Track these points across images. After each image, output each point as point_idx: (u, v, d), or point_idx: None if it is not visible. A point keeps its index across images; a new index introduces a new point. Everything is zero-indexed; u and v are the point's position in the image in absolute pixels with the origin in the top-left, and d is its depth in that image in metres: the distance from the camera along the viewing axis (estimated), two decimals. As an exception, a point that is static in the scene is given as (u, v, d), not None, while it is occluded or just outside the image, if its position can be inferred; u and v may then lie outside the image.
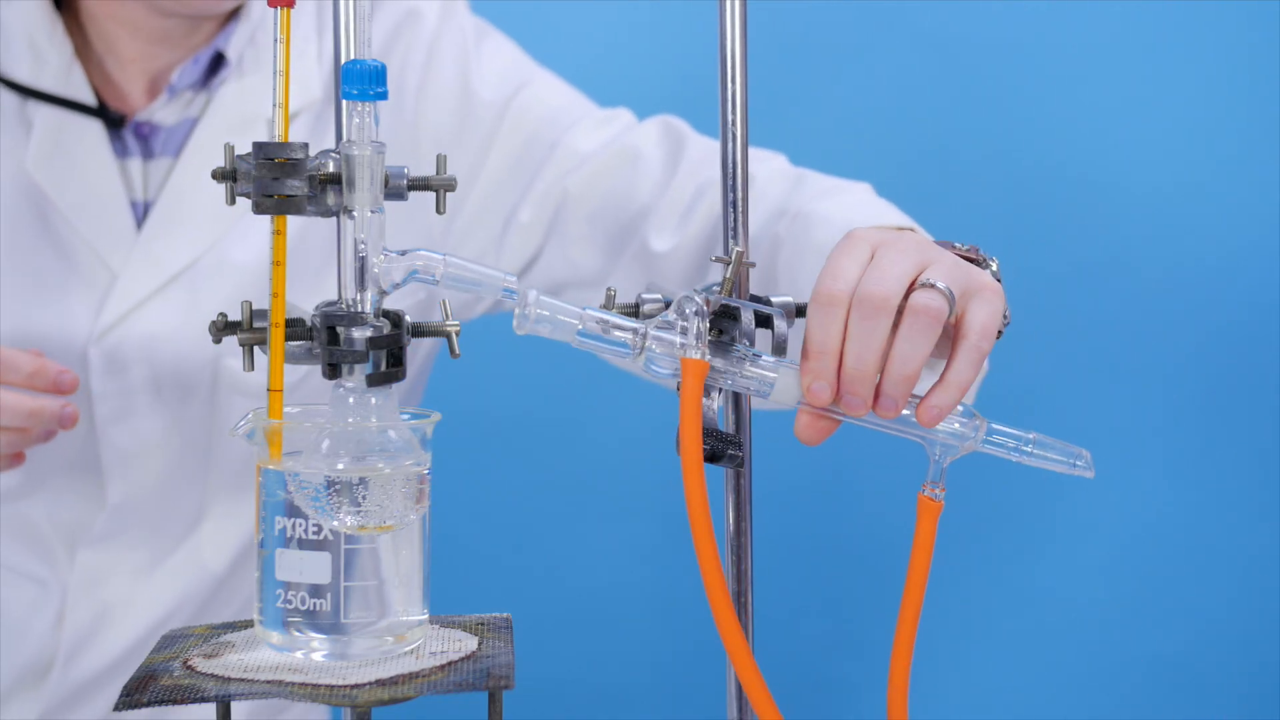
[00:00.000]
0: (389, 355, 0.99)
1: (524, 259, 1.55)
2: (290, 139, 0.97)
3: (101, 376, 1.50)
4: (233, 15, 1.53)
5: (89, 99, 1.50)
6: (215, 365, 1.51)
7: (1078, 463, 1.06)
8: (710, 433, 1.03)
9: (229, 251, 1.50)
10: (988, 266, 1.10)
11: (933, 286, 1.01)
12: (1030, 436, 1.05)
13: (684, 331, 1.01)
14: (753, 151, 1.43)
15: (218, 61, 1.53)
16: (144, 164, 1.52)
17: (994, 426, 1.04)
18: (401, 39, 1.56)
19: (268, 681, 0.95)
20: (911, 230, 1.14)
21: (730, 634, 1.00)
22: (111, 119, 1.50)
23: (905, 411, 1.03)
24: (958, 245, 1.11)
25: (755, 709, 1.00)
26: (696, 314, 1.01)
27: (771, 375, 1.02)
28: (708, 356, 1.01)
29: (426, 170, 1.54)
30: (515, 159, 1.55)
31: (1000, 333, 1.06)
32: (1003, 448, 1.05)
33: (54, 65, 1.49)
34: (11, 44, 1.49)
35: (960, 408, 1.03)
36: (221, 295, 1.49)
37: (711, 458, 1.03)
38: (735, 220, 1.10)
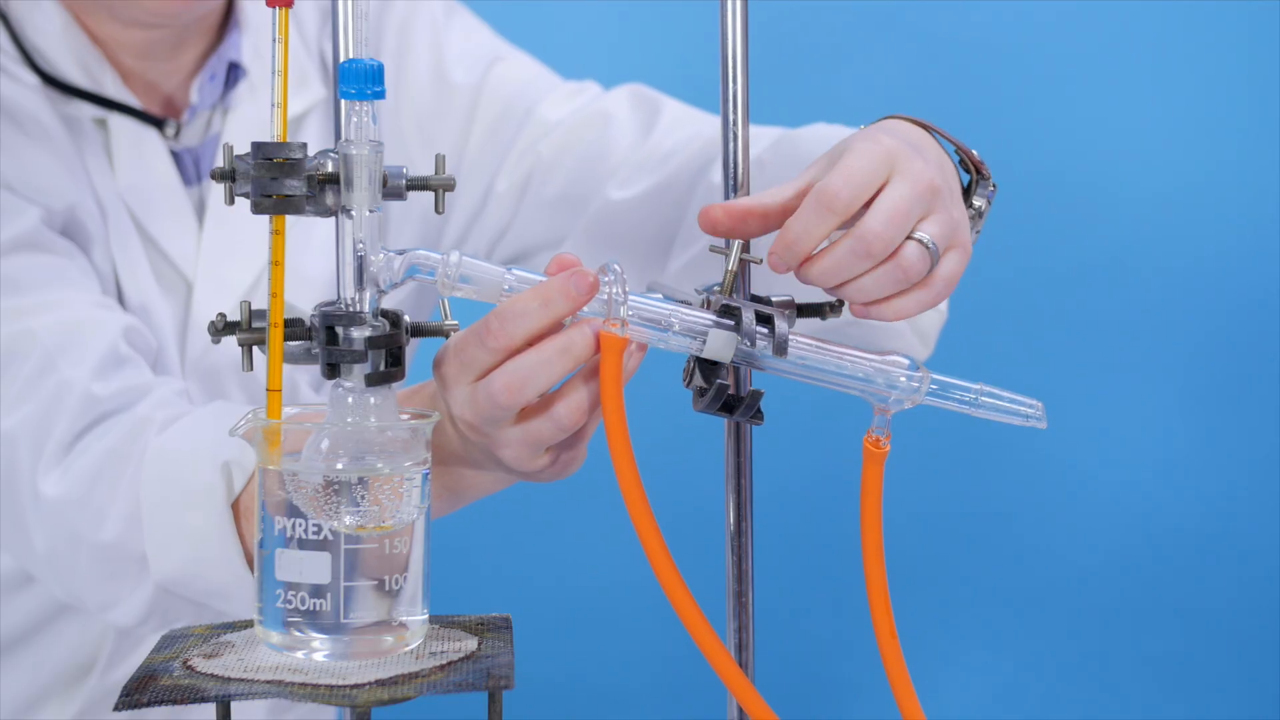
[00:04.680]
0: (388, 355, 0.99)
1: (499, 227, 1.56)
2: (303, 140, 0.97)
3: (199, 398, 1.47)
4: (227, 23, 1.52)
5: (148, 110, 1.47)
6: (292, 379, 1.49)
7: (1030, 413, 1.06)
8: (728, 394, 1.03)
9: (298, 264, 1.44)
10: (986, 186, 1.13)
11: (925, 246, 1.04)
12: (977, 387, 1.05)
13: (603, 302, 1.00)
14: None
15: (229, 74, 1.51)
16: (184, 188, 1.50)
17: (938, 378, 1.04)
18: (375, 27, 1.56)
19: (268, 681, 0.95)
20: (926, 129, 1.13)
21: (682, 606, 1.00)
22: (172, 127, 1.47)
23: (860, 359, 1.04)
24: (973, 152, 1.13)
25: (707, 656, 1.00)
26: (616, 281, 1.00)
27: (703, 332, 1.02)
28: (628, 328, 1.00)
29: (415, 158, 1.55)
30: (491, 132, 1.56)
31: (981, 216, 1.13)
32: (950, 399, 1.05)
33: (108, 77, 1.46)
34: (62, 55, 1.45)
35: (907, 360, 1.04)
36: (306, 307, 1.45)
37: (728, 408, 1.03)
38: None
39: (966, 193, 1.12)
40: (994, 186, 1.13)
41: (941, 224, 1.06)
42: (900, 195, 1.04)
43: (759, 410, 1.04)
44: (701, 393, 1.04)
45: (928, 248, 1.04)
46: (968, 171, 1.13)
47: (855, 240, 1.02)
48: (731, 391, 1.05)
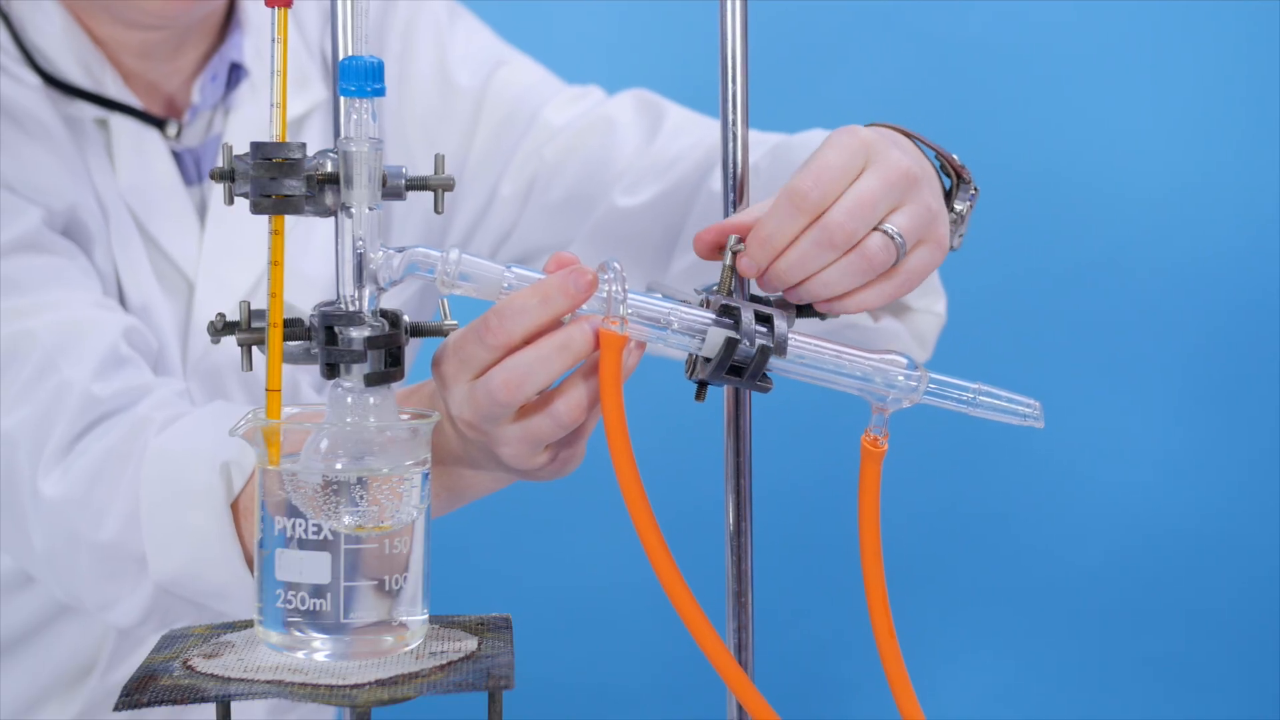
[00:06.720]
0: (387, 355, 0.99)
1: (503, 230, 1.56)
2: (304, 141, 0.97)
3: (200, 399, 1.47)
4: (229, 24, 1.52)
5: (149, 110, 1.48)
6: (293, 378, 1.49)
7: (1028, 413, 1.06)
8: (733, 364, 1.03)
9: (297, 264, 1.44)
10: (968, 190, 1.13)
11: (891, 237, 1.04)
12: (975, 386, 1.05)
13: (602, 300, 1.00)
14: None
15: (231, 74, 1.51)
16: (186, 188, 1.50)
17: (936, 378, 1.04)
18: (379, 29, 1.57)
19: (268, 681, 0.95)
20: (907, 136, 1.13)
21: (683, 604, 1.00)
22: (173, 128, 1.48)
23: (859, 358, 1.04)
24: (954, 157, 1.12)
25: (708, 655, 1.00)
26: (615, 279, 1.00)
27: (702, 330, 1.02)
28: (628, 326, 1.00)
29: (418, 160, 1.55)
30: (495, 136, 1.56)
31: (963, 214, 1.12)
32: (947, 399, 1.05)
33: (109, 77, 1.46)
34: (63, 56, 1.45)
35: (905, 359, 1.04)
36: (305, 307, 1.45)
37: (735, 371, 1.02)
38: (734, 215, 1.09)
39: (948, 197, 1.13)
40: (975, 190, 1.13)
41: (913, 216, 1.06)
42: (869, 187, 1.04)
43: (766, 375, 1.04)
44: (707, 361, 1.03)
45: (893, 239, 1.05)
46: (949, 176, 1.13)
47: (818, 230, 1.03)
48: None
